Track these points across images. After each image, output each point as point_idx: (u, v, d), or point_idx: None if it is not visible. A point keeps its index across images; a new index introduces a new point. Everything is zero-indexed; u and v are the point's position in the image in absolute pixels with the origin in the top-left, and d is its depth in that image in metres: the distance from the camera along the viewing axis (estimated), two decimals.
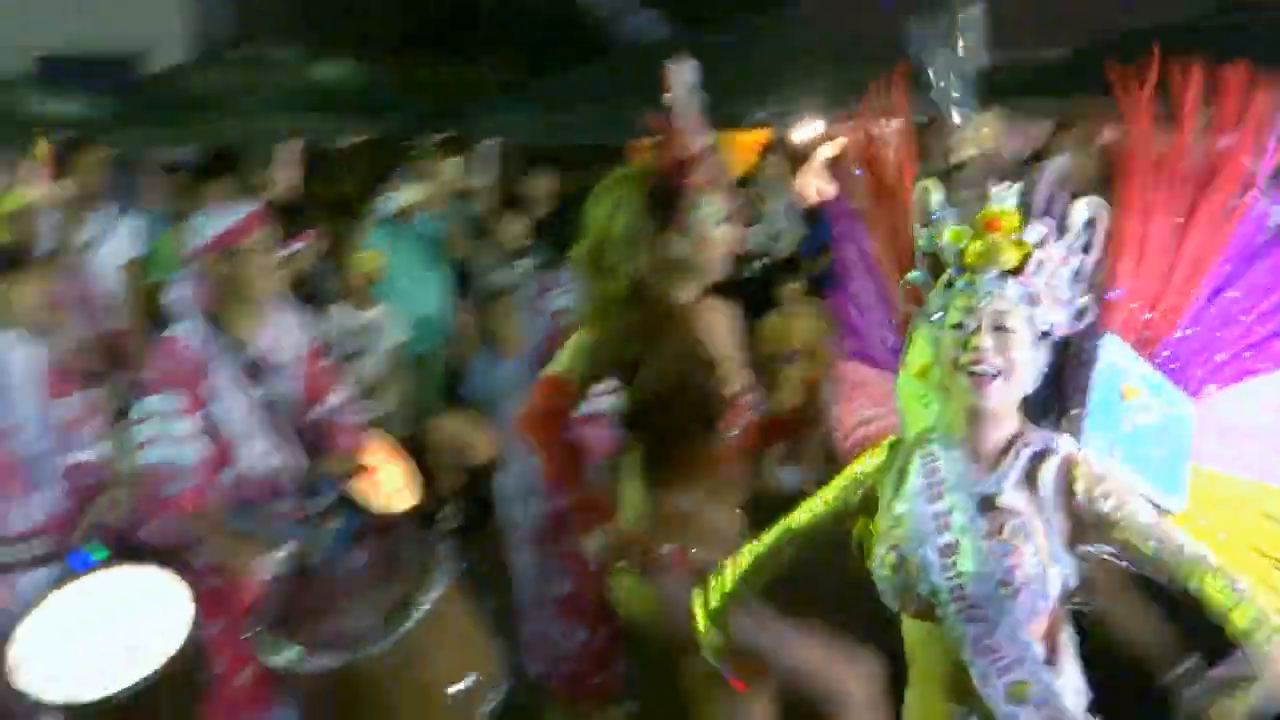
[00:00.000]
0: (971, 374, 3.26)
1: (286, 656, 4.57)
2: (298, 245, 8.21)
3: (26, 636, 4.36)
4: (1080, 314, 3.35)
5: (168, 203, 9.86)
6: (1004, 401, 3.31)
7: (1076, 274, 3.33)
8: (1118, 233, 3.45)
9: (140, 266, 8.68)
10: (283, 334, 5.14)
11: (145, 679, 4.26)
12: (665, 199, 4.49)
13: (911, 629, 3.51)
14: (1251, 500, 3.48)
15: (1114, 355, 3.47)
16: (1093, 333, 3.42)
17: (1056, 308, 3.31)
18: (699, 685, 4.42)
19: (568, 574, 6.20)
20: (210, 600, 4.70)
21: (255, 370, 5.02)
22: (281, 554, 4.91)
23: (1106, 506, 3.26)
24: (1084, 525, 3.30)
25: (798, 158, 11.48)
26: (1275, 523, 3.45)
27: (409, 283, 9.14)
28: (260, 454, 5.02)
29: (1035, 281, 3.27)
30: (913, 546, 3.39)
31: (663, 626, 4.50)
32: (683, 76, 4.40)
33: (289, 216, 7.86)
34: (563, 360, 4.64)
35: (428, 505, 7.06)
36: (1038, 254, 3.28)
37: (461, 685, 4.52)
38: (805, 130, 12.52)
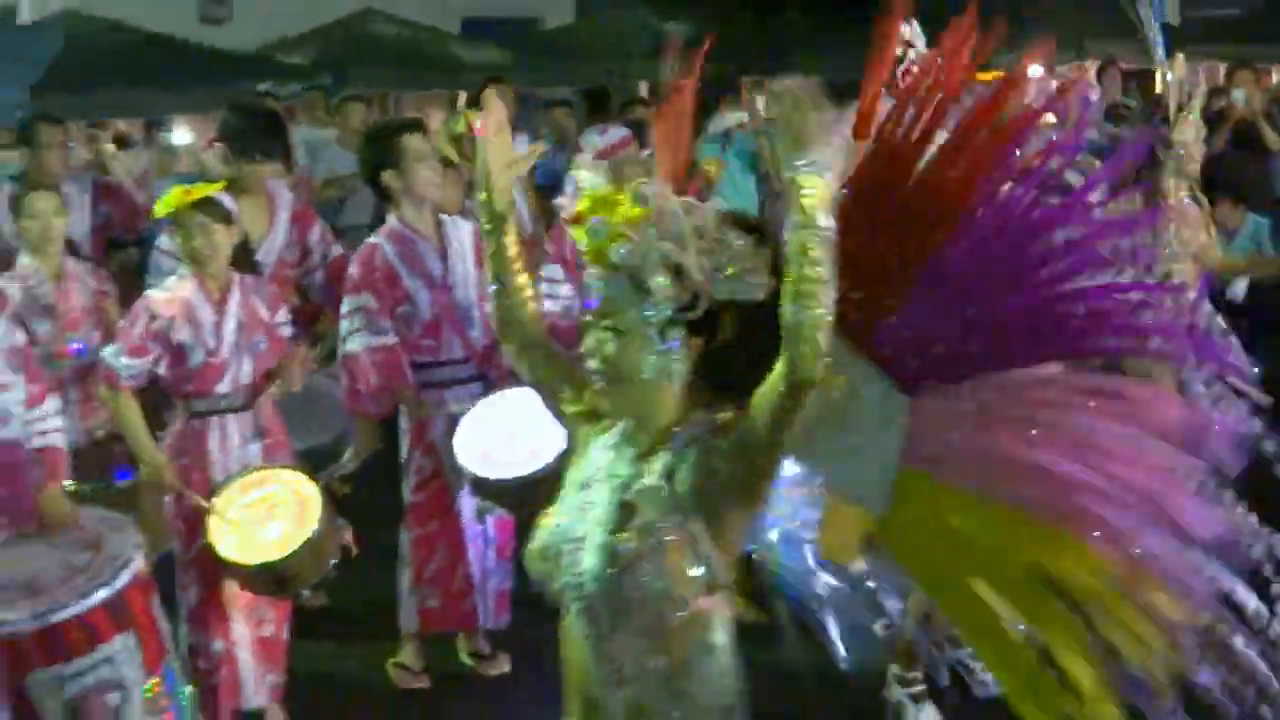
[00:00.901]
0: (592, 374, 2.38)
1: None
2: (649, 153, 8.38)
3: (464, 429, 4.61)
4: (732, 291, 2.27)
5: (555, 128, 10.11)
6: (632, 401, 2.37)
7: (702, 251, 2.27)
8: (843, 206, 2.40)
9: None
10: None
11: (537, 472, 4.43)
12: None
13: (563, 624, 2.51)
14: (946, 509, 2.45)
15: None
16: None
17: (688, 288, 2.26)
18: None
19: None
20: None
21: None
22: None
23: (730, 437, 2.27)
24: (733, 500, 2.30)
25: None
26: (964, 538, 2.43)
27: (730, 185, 9.27)
28: None
29: (639, 271, 2.25)
30: (556, 534, 2.44)
31: None
32: (909, 31, 4.29)
33: (646, 134, 8.00)
34: None
35: None
36: (631, 241, 2.25)
37: None
38: (1032, 70, 12.26)
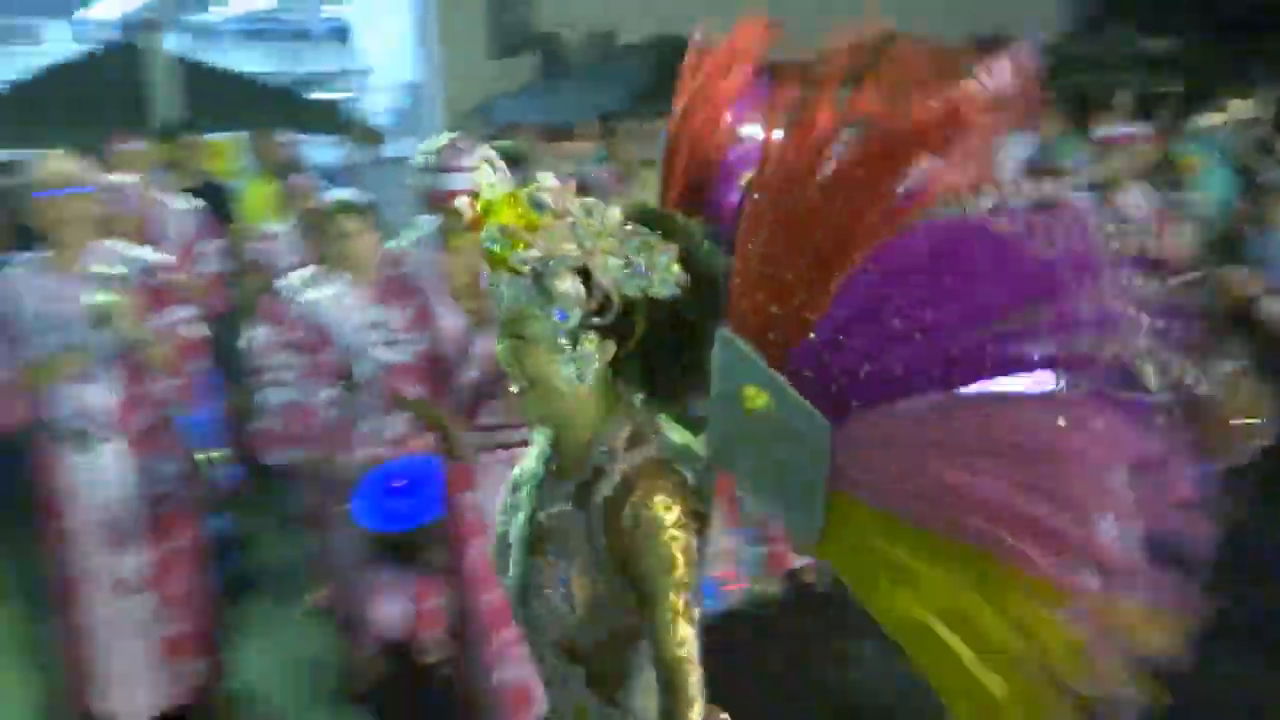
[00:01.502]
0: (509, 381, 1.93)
1: None
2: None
3: None
4: (641, 292, 1.82)
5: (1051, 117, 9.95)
6: (548, 408, 1.91)
7: (599, 255, 1.81)
8: (747, 211, 1.87)
9: None
10: None
11: None
12: None
13: None
14: (883, 535, 1.81)
15: (730, 354, 1.86)
16: (702, 323, 1.87)
17: (597, 292, 1.81)
18: None
19: None
20: None
21: None
22: None
23: (639, 567, 1.80)
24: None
25: None
26: (899, 564, 1.79)
27: (1208, 177, 8.92)
28: None
29: (544, 276, 1.80)
30: (496, 536, 2.07)
31: None
32: None
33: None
34: None
35: None
36: (532, 246, 1.80)
37: None
38: None
